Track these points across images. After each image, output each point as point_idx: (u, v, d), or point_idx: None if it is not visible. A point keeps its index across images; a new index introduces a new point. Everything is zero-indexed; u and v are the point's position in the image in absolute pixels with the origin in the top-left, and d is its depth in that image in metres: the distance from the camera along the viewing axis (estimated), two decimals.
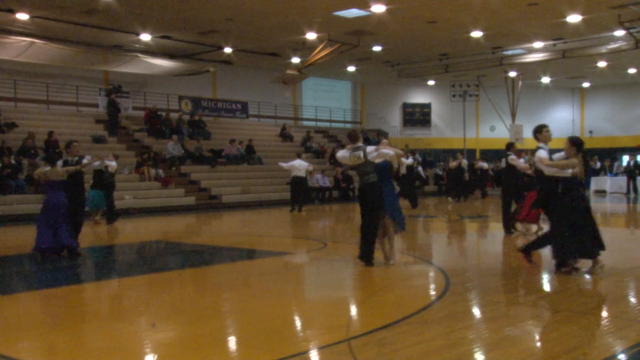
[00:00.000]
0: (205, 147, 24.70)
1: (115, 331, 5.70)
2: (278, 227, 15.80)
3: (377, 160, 8.58)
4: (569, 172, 7.81)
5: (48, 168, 9.99)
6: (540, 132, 8.35)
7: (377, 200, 8.53)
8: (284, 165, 19.58)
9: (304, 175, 19.35)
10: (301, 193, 19.39)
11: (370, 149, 8.55)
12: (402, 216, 8.92)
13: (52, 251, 9.78)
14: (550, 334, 5.37)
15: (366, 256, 8.59)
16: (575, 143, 7.75)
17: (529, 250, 8.45)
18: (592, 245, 7.84)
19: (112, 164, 15.95)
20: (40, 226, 9.76)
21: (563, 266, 8.03)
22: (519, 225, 12.55)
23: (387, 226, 8.75)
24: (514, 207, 12.44)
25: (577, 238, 7.74)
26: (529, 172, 11.07)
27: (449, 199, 24.21)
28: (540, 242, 8.50)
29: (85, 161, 10.46)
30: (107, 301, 7.34)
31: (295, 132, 30.18)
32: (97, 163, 11.03)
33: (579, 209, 7.81)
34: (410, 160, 20.68)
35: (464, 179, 24.42)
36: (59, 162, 10.25)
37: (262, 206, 22.07)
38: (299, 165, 19.12)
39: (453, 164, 23.70)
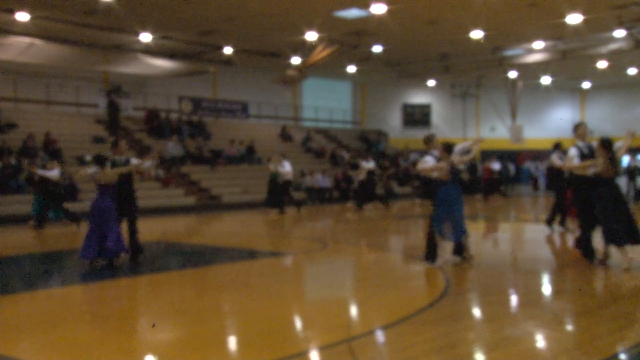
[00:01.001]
0: (206, 147, 24.70)
1: (115, 331, 5.70)
2: (278, 227, 15.79)
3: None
4: (590, 171, 8.43)
5: (93, 170, 9.01)
6: (577, 129, 9.03)
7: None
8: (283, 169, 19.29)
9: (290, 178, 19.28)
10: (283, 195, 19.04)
11: (458, 148, 9.19)
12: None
13: (99, 257, 8.97)
14: (550, 334, 5.37)
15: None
16: (603, 144, 8.29)
17: (582, 245, 8.75)
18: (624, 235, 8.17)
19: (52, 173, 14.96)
20: (89, 234, 8.87)
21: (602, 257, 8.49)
22: (555, 225, 12.65)
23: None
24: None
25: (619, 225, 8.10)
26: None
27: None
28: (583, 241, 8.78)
29: (134, 162, 9.46)
30: (107, 301, 7.33)
31: (296, 132, 30.19)
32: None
33: (605, 203, 8.19)
34: (371, 164, 20.28)
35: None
36: (108, 163, 9.17)
37: (262, 206, 22.04)
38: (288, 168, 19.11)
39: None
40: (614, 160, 8.28)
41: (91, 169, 9.07)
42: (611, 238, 8.12)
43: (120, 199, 9.19)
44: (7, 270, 9.66)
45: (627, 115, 36.24)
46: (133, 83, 25.96)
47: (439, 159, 8.78)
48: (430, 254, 8.82)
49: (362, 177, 20.16)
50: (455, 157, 8.99)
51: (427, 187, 9.51)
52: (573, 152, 8.72)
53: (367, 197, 20.13)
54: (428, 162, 8.84)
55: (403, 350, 4.90)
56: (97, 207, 8.91)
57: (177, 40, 22.84)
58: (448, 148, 8.69)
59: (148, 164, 9.89)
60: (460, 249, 8.93)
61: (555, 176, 13.14)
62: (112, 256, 8.92)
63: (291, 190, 19.81)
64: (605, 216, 8.16)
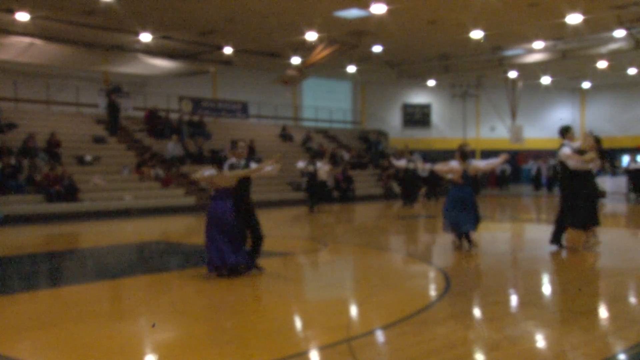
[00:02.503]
0: (206, 147, 24.69)
1: (115, 331, 5.70)
2: (278, 227, 15.79)
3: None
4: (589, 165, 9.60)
5: (209, 172, 8.37)
6: (568, 131, 9.93)
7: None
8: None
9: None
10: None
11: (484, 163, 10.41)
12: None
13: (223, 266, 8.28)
14: (550, 334, 5.37)
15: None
16: (596, 141, 9.55)
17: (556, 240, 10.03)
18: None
19: None
20: (210, 243, 8.23)
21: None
22: None
23: None
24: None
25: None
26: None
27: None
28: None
29: (254, 165, 8.69)
30: (107, 301, 7.34)
31: (296, 132, 30.19)
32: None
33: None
34: (326, 167, 20.48)
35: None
36: (226, 166, 8.52)
37: (262, 206, 22.03)
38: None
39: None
40: (603, 155, 9.81)
41: (208, 171, 8.41)
42: (581, 223, 9.65)
43: (237, 204, 8.38)
44: (7, 270, 9.67)
45: (627, 115, 36.26)
46: (133, 83, 25.96)
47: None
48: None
49: (321, 178, 20.16)
50: (476, 167, 10.02)
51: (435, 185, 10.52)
52: (569, 149, 9.61)
53: (319, 198, 19.87)
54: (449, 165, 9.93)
55: (403, 350, 4.90)
56: (213, 214, 8.23)
57: (177, 40, 22.84)
58: (464, 155, 9.58)
59: (269, 168, 8.77)
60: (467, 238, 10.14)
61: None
62: (234, 265, 8.28)
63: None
64: (585, 203, 9.53)
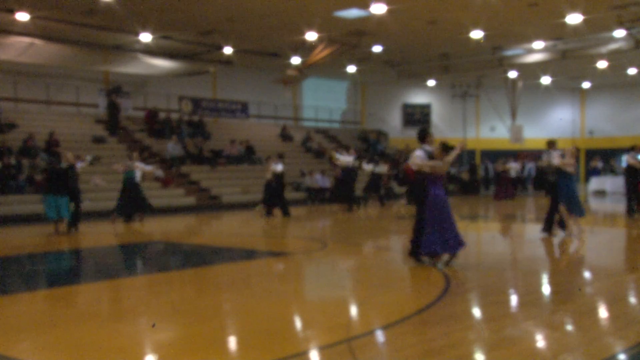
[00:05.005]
0: (206, 147, 24.70)
1: (115, 331, 5.70)
2: (278, 228, 15.80)
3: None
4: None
5: (433, 161, 8.51)
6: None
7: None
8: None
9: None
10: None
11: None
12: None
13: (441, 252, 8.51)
14: (550, 334, 5.37)
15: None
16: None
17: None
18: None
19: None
20: (429, 229, 8.41)
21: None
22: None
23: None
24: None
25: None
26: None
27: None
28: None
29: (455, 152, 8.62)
30: (107, 301, 7.34)
31: (296, 132, 30.19)
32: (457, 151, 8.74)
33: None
34: (279, 168, 18.10)
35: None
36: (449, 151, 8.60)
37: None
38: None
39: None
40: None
41: (421, 159, 8.56)
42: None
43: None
44: (7, 270, 9.66)
45: (627, 115, 36.26)
46: (133, 83, 25.96)
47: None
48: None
49: (269, 177, 18.17)
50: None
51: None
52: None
53: (275, 201, 18.18)
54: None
55: (403, 350, 4.90)
56: (435, 200, 8.42)
57: (177, 40, 22.84)
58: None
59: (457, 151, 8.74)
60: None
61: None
62: (454, 251, 8.54)
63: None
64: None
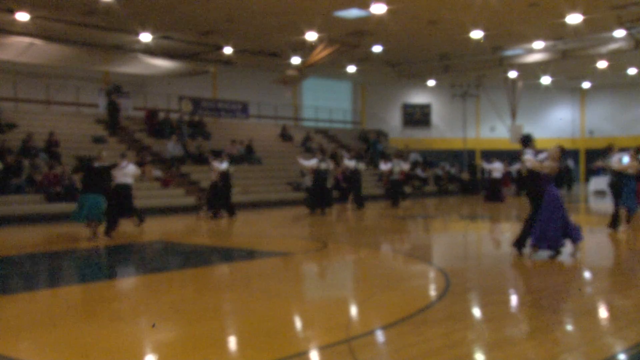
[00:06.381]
0: (206, 147, 24.69)
1: (115, 331, 5.70)
2: (278, 227, 15.80)
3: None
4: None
5: (548, 162, 9.36)
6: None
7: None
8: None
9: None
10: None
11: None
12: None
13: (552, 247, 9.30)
14: (550, 334, 5.37)
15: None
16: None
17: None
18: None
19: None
20: (542, 224, 9.17)
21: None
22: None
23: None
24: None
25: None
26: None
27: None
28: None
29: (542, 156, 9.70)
30: (107, 301, 7.33)
31: (296, 132, 30.19)
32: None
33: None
34: (224, 166, 17.50)
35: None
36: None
37: (262, 206, 22.07)
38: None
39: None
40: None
41: (531, 160, 9.49)
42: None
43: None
44: (7, 270, 9.66)
45: (627, 115, 36.28)
46: (133, 83, 25.96)
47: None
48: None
49: (214, 179, 17.68)
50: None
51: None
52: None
53: (219, 203, 17.66)
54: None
55: (403, 350, 4.90)
56: (552, 196, 9.20)
57: (177, 40, 22.84)
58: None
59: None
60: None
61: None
62: (556, 246, 9.24)
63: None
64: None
